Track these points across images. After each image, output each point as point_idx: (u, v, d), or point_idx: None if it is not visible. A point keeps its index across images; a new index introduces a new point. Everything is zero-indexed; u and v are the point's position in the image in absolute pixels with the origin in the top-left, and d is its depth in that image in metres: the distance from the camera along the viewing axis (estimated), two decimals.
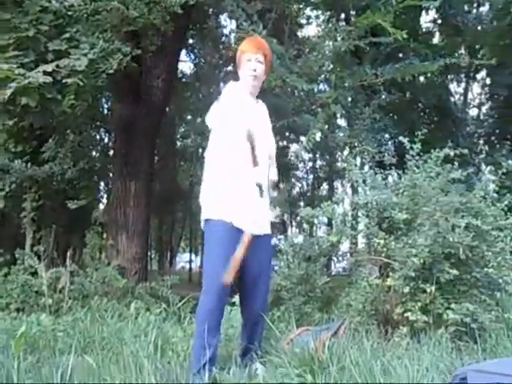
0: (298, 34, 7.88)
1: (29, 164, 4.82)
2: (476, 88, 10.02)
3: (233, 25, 8.08)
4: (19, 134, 4.98)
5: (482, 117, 9.39)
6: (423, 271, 2.45)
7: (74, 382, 1.88)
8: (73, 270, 4.03)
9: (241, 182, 2.09)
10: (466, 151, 3.04)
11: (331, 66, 5.07)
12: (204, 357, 1.92)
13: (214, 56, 8.47)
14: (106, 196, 7.77)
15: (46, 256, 4.48)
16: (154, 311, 3.25)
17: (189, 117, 9.06)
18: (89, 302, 3.56)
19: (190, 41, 8.34)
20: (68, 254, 4.12)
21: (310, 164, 9.96)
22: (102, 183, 7.61)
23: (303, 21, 8.16)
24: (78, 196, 5.37)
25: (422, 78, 4.59)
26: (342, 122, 7.07)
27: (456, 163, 2.87)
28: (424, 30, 8.14)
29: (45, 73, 3.54)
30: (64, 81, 3.68)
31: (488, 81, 9.35)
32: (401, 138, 2.92)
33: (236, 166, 2.10)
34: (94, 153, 7.50)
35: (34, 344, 2.47)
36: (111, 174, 6.28)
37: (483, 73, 9.12)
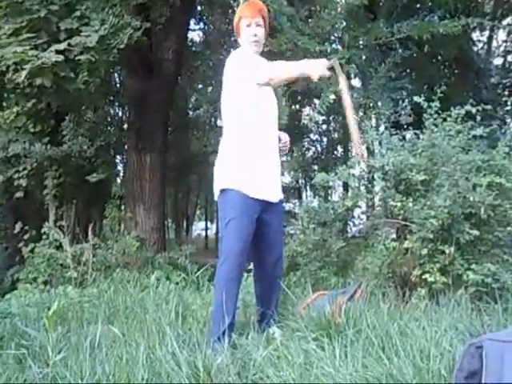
0: None
1: (48, 146, 4.90)
2: (501, 35, 9.30)
3: None
4: (37, 115, 5.07)
5: (507, 66, 8.77)
6: (442, 232, 2.41)
7: (101, 349, 1.95)
8: (95, 243, 4.15)
9: (255, 152, 2.10)
10: (488, 106, 2.89)
11: (344, 23, 4.84)
12: (223, 323, 1.96)
13: (223, 22, 8.22)
14: (122, 170, 7.85)
15: (69, 231, 4.61)
16: (173, 280, 3.35)
17: (200, 86, 8.92)
18: (111, 272, 3.68)
19: (199, 8, 8.09)
20: (90, 228, 4.24)
21: (324, 127, 9.64)
22: (119, 157, 7.68)
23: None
24: (96, 171, 5.47)
25: (441, 29, 4.32)
26: (356, 82, 6.81)
27: (478, 117, 2.75)
28: None
29: (57, 52, 3.55)
30: (77, 58, 3.68)
31: None
32: (416, 98, 2.78)
33: (250, 137, 2.10)
34: (109, 127, 7.52)
35: (62, 315, 2.57)
36: (126, 147, 6.34)
37: (509, 19, 8.46)
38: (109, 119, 7.69)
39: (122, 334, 2.09)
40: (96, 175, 5.32)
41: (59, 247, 4.25)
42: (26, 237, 4.94)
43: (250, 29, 2.15)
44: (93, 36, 3.69)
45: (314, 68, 1.92)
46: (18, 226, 5.11)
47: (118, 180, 7.06)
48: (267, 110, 2.16)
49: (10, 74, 3.74)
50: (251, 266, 2.66)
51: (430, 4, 5.43)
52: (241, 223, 2.04)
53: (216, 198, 2.18)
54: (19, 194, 5.21)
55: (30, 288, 3.74)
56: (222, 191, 2.11)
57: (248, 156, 2.09)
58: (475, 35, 8.14)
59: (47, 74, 3.67)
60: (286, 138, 2.28)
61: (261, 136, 2.12)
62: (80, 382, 1.64)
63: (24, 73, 3.46)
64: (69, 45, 3.65)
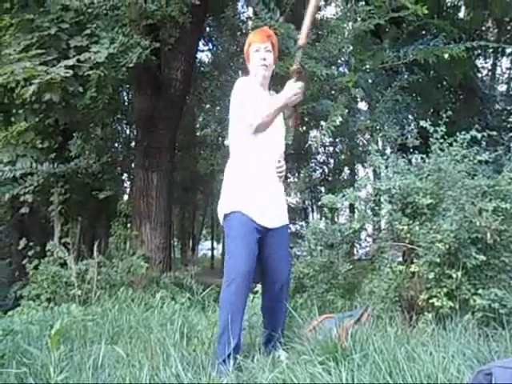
0: (317, 16, 7.69)
1: (55, 163, 4.93)
2: (505, 63, 9.47)
3: (250, 11, 7.98)
4: (45, 131, 5.12)
5: (511, 93, 8.90)
6: (449, 257, 2.40)
7: (104, 370, 1.93)
8: (100, 261, 4.14)
9: (257, 176, 2.13)
10: (494, 132, 2.92)
11: (351, 47, 4.94)
12: (229, 345, 1.95)
13: (231, 44, 8.41)
14: (129, 187, 7.89)
15: (75, 248, 4.61)
16: (178, 300, 3.32)
17: (207, 106, 9.07)
18: (116, 291, 3.66)
19: (208, 29, 8.30)
20: (95, 246, 4.24)
21: (331, 149, 9.78)
22: (126, 174, 7.73)
23: (321, 2, 7.93)
24: (102, 188, 5.50)
25: (446, 55, 4.41)
26: (362, 105, 6.90)
27: (484, 143, 2.78)
28: (449, 4, 7.77)
29: (66, 67, 3.61)
30: (86, 73, 3.74)
31: None
32: (422, 122, 2.82)
33: (250, 161, 2.14)
34: (116, 145, 7.61)
35: (65, 334, 2.55)
36: (133, 165, 6.39)
37: None
38: (116, 136, 7.79)
39: (125, 355, 2.08)
40: (104, 192, 5.34)
41: (64, 264, 4.24)
42: (30, 253, 4.91)
43: (259, 53, 2.21)
44: (102, 52, 3.75)
45: (289, 94, 2.07)
46: (22, 242, 5.08)
47: (126, 197, 7.08)
48: (267, 136, 2.17)
49: (19, 89, 3.79)
50: (257, 288, 2.65)
51: (435, 31, 5.53)
52: (245, 245, 2.05)
53: (221, 222, 2.21)
54: (24, 210, 5.22)
55: (33, 305, 3.71)
56: (226, 215, 2.14)
57: (249, 180, 2.12)
58: (479, 62, 8.28)
59: (56, 89, 3.72)
60: (281, 162, 2.25)
61: (262, 161, 2.15)
62: None
63: (32, 87, 3.49)
64: (78, 61, 3.70)
